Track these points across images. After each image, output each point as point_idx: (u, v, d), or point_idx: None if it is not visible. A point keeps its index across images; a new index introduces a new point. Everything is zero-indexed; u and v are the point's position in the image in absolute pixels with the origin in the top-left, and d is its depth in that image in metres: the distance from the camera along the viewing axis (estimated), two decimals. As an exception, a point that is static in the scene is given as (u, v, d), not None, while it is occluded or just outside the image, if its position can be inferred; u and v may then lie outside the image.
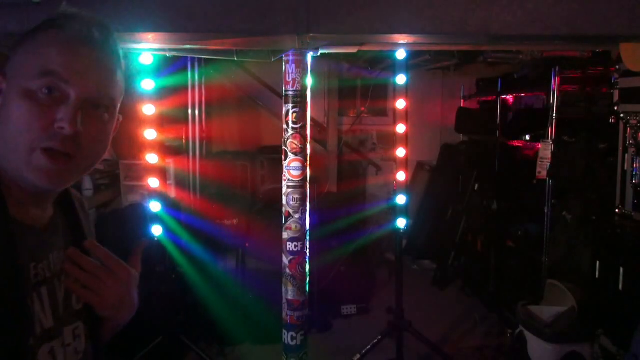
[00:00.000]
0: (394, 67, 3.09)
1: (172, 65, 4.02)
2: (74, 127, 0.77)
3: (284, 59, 2.21)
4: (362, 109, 5.65)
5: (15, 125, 0.77)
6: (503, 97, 4.59)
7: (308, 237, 2.33)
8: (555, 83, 3.42)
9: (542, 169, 3.51)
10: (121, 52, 0.87)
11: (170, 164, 4.17)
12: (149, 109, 2.90)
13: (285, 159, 2.26)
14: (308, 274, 2.35)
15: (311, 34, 1.78)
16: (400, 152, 3.12)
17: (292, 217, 2.26)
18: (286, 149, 2.25)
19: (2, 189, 0.79)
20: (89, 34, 0.80)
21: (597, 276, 2.95)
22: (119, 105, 0.88)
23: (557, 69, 3.42)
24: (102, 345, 0.96)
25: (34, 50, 0.79)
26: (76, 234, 0.93)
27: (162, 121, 3.06)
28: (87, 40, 0.80)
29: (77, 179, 0.86)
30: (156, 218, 2.99)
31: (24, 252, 0.79)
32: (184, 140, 4.43)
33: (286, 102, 2.22)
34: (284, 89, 2.23)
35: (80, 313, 0.91)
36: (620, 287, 2.73)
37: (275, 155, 3.56)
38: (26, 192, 0.82)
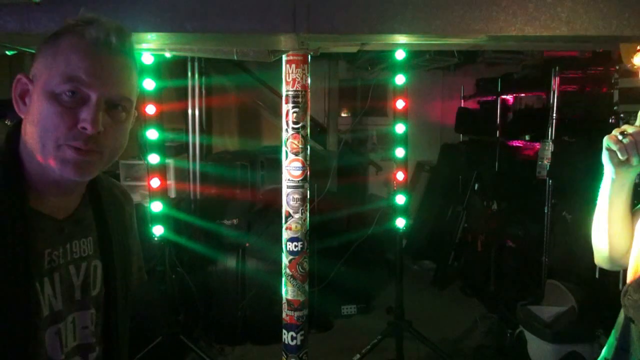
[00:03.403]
0: (393, 67, 3.08)
1: (173, 65, 4.02)
2: (96, 128, 0.84)
3: (284, 59, 2.21)
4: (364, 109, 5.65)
5: (43, 125, 0.85)
6: (503, 97, 4.59)
7: (308, 237, 2.32)
8: (555, 83, 3.42)
9: (542, 169, 3.50)
10: (136, 54, 0.94)
11: (171, 164, 4.16)
12: (149, 109, 2.90)
13: (285, 159, 2.26)
14: (308, 274, 2.35)
15: (311, 34, 1.78)
16: (400, 152, 3.12)
17: (292, 217, 2.26)
18: (286, 149, 2.25)
19: (26, 181, 0.88)
20: (107, 39, 0.87)
21: (597, 276, 2.95)
22: (135, 103, 0.95)
23: (557, 69, 3.42)
24: (116, 332, 1.01)
25: (56, 57, 0.86)
26: (100, 226, 1.00)
27: (162, 121, 3.06)
28: (106, 45, 0.87)
29: (101, 170, 0.93)
30: (156, 218, 2.98)
31: (40, 239, 0.87)
32: (184, 140, 4.42)
33: (286, 102, 2.22)
34: (284, 89, 2.23)
35: (96, 299, 0.98)
36: (620, 287, 2.73)
37: (275, 155, 3.56)
38: (50, 183, 0.89)
